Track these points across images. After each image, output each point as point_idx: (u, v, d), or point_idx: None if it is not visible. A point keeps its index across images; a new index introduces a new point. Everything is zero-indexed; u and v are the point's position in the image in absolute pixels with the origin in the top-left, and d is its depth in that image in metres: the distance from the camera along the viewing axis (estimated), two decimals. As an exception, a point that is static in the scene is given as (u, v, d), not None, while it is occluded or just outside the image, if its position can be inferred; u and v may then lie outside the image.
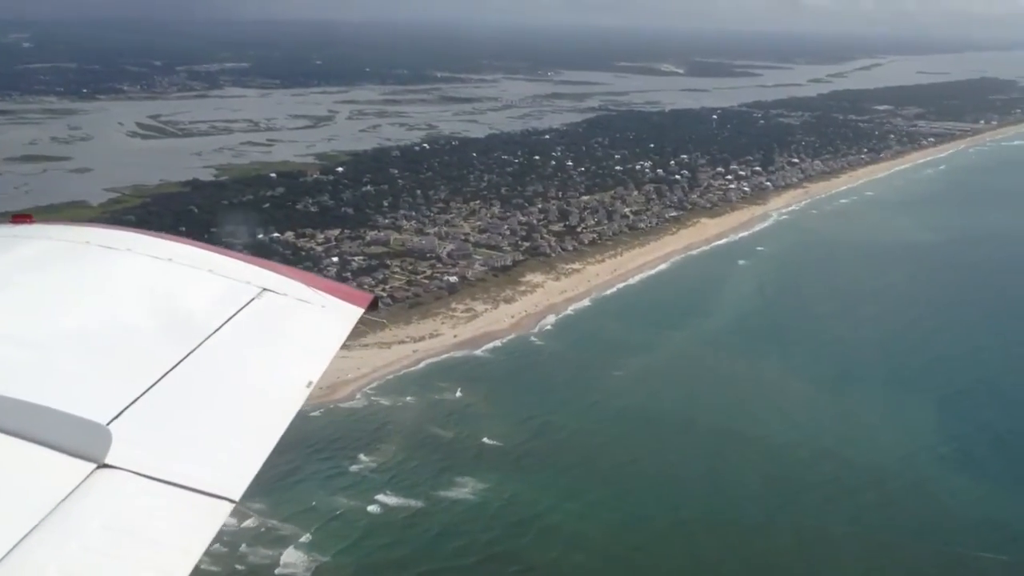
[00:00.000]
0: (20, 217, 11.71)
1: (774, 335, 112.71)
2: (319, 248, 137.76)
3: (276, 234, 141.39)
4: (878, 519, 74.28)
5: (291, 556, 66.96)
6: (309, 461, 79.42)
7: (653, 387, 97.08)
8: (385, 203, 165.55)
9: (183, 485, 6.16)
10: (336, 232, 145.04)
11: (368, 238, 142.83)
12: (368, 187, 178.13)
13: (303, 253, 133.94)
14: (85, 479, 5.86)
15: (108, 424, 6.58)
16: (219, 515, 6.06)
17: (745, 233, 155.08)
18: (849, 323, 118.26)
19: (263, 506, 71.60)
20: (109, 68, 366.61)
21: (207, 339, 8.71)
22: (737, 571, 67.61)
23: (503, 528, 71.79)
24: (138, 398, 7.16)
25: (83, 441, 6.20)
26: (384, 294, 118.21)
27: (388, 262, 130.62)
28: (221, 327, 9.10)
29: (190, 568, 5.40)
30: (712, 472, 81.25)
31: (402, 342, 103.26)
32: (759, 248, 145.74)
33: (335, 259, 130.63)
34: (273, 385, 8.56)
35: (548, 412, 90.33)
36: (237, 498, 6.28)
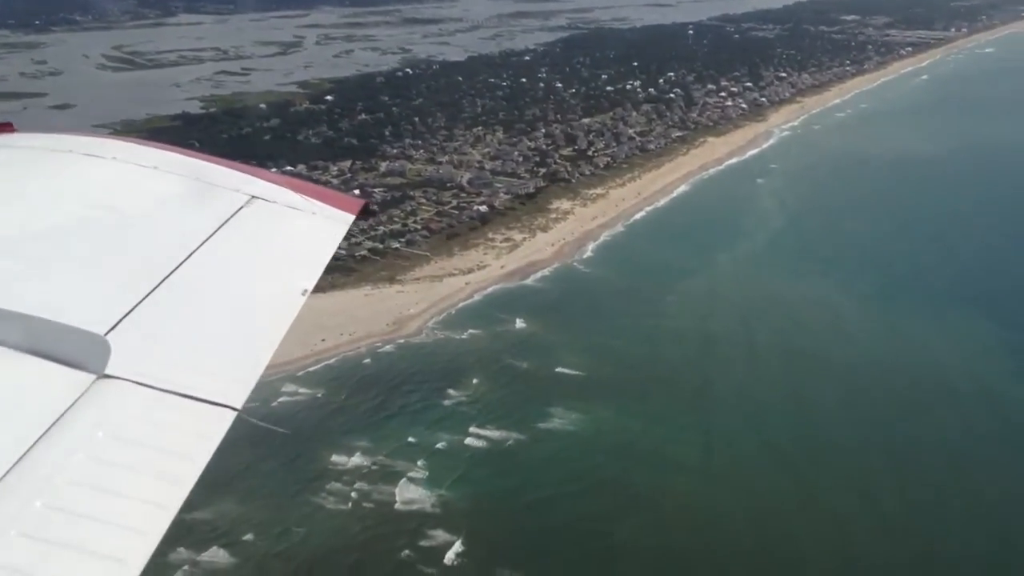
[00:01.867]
0: (1, 126, 11.46)
1: (809, 251, 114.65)
2: (335, 181, 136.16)
3: (288, 167, 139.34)
4: (958, 431, 76.82)
5: (407, 491, 67.65)
6: (394, 396, 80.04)
7: (706, 309, 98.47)
8: (387, 132, 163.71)
9: (185, 394, 6.19)
10: (347, 164, 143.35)
11: (382, 169, 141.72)
12: (363, 116, 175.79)
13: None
14: (87, 390, 5.90)
15: (105, 335, 6.55)
16: (223, 423, 6.14)
17: (754, 151, 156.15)
18: (876, 237, 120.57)
19: (367, 443, 72.31)
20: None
21: (199, 248, 8.66)
22: (836, 489, 69.35)
23: (602, 455, 73.01)
24: (133, 308, 7.14)
25: (82, 352, 6.22)
26: (418, 226, 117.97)
27: (411, 193, 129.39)
28: (212, 236, 9.03)
29: (196, 476, 5.58)
30: (784, 392, 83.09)
31: (451, 275, 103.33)
32: (772, 166, 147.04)
33: (356, 192, 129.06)
34: (268, 294, 8.55)
35: (611, 338, 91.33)
36: (239, 406, 6.36)
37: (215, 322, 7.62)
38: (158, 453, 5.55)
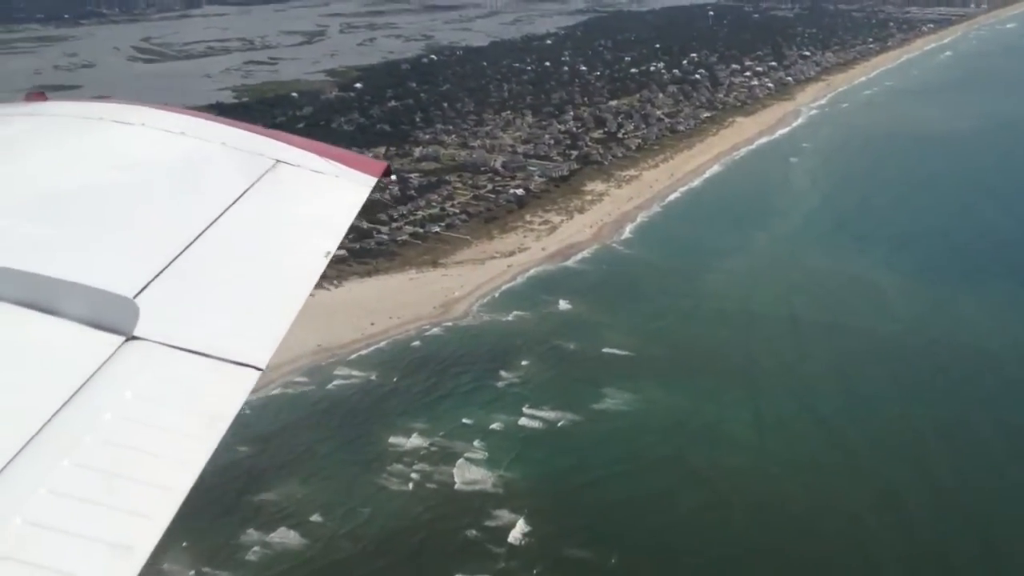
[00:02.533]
0: (34, 95, 11.63)
1: (846, 228, 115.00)
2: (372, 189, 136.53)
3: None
4: (1009, 405, 77.17)
5: (467, 471, 68.47)
6: (446, 378, 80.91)
7: (748, 288, 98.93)
8: (417, 118, 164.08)
9: (211, 355, 6.28)
10: (382, 150, 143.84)
11: (416, 154, 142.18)
12: (393, 102, 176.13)
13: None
14: (115, 352, 6.00)
15: (134, 297, 6.66)
16: (247, 382, 6.20)
17: (784, 130, 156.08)
18: (911, 214, 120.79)
19: (423, 424, 73.23)
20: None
21: (225, 212, 8.75)
22: (892, 465, 69.82)
23: (655, 434, 73.72)
24: (161, 271, 7.22)
25: (111, 315, 6.31)
26: (456, 210, 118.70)
27: (447, 177, 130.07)
28: (238, 200, 9.12)
29: (222, 433, 5.65)
30: (830, 368, 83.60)
31: (493, 258, 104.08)
32: (804, 145, 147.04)
33: (393, 177, 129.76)
34: (292, 256, 8.63)
35: (655, 318, 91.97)
36: (263, 366, 6.39)
37: (241, 284, 7.79)
38: (185, 412, 5.68)
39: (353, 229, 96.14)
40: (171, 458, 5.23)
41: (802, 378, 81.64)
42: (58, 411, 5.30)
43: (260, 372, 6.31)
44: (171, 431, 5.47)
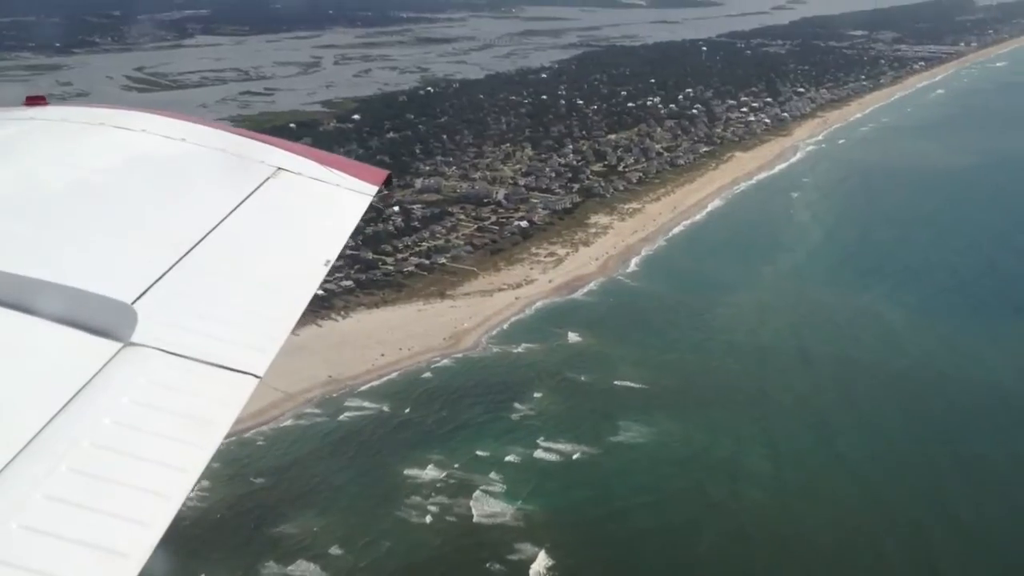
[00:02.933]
0: (34, 99, 11.61)
1: (850, 263, 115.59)
2: (373, 198, 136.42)
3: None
4: (1022, 439, 77.29)
5: (484, 504, 68.03)
6: (459, 410, 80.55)
7: (755, 321, 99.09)
8: (417, 149, 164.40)
9: (209, 361, 6.29)
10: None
11: (418, 186, 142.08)
12: (392, 134, 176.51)
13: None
14: (113, 357, 6.00)
15: (132, 304, 6.68)
16: (245, 390, 6.20)
17: (783, 165, 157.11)
18: (913, 248, 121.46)
19: (438, 456, 72.75)
20: (71, 20, 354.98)
21: (224, 219, 8.75)
22: (911, 500, 69.66)
23: (671, 467, 73.51)
24: (160, 278, 7.23)
25: (109, 320, 6.31)
26: (461, 242, 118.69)
27: (450, 209, 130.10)
28: (238, 207, 9.13)
29: (219, 441, 5.62)
30: (845, 401, 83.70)
31: (500, 289, 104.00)
32: (804, 180, 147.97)
33: (395, 208, 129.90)
34: (292, 264, 8.65)
35: (665, 351, 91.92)
36: (262, 373, 6.41)
37: (240, 292, 7.77)
38: (182, 418, 5.65)
39: (359, 260, 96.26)
40: (168, 464, 5.21)
41: (815, 411, 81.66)
42: (55, 416, 5.28)
43: (258, 380, 6.29)
44: (168, 437, 5.44)
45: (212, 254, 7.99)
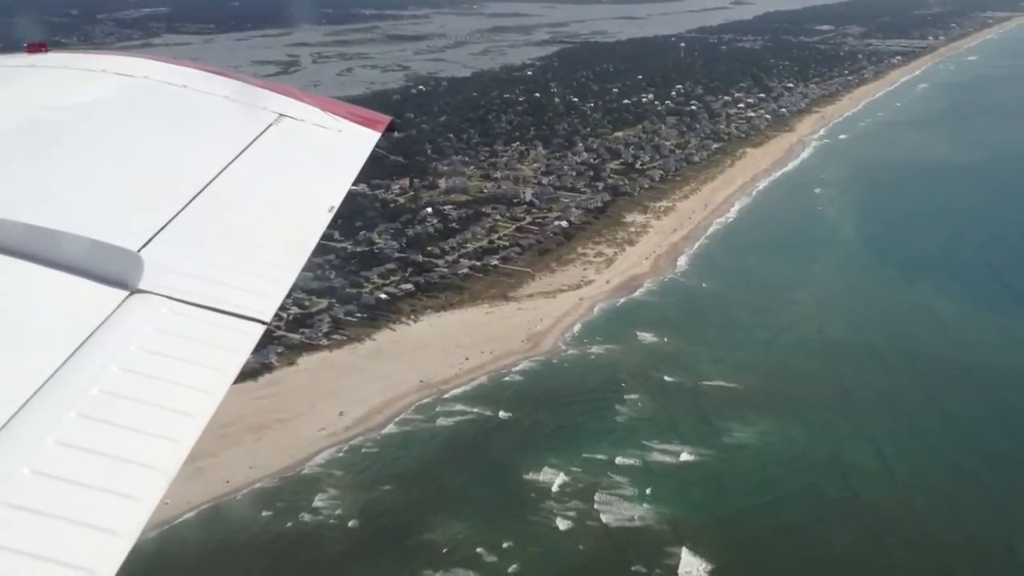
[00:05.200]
0: (35, 46, 11.56)
1: (891, 257, 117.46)
2: (401, 199, 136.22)
3: (354, 187, 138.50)
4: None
5: (614, 507, 68.47)
6: (558, 412, 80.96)
7: (815, 316, 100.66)
8: (428, 149, 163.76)
9: (216, 308, 6.37)
10: (406, 182, 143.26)
11: (443, 186, 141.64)
12: (396, 133, 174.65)
13: (392, 206, 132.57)
14: (120, 304, 6.09)
15: (139, 251, 6.74)
16: (251, 336, 6.28)
17: (796, 162, 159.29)
18: (942, 241, 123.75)
19: (554, 459, 73.12)
20: (30, 20, 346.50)
21: (228, 165, 8.79)
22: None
23: (782, 465, 74.43)
24: (166, 225, 7.30)
25: (116, 268, 6.37)
26: (506, 243, 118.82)
27: (483, 210, 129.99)
28: (241, 153, 9.18)
29: (227, 387, 5.73)
30: (926, 395, 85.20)
31: (561, 291, 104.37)
32: (822, 176, 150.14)
33: (428, 210, 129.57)
34: (296, 210, 8.72)
35: (736, 349, 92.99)
36: (268, 319, 6.50)
37: (245, 238, 7.82)
38: (190, 365, 5.72)
39: (411, 263, 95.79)
40: (177, 411, 5.30)
41: (901, 406, 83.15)
42: (64, 363, 5.35)
43: (264, 326, 6.41)
44: (177, 383, 5.52)
45: (217, 201, 8.06)
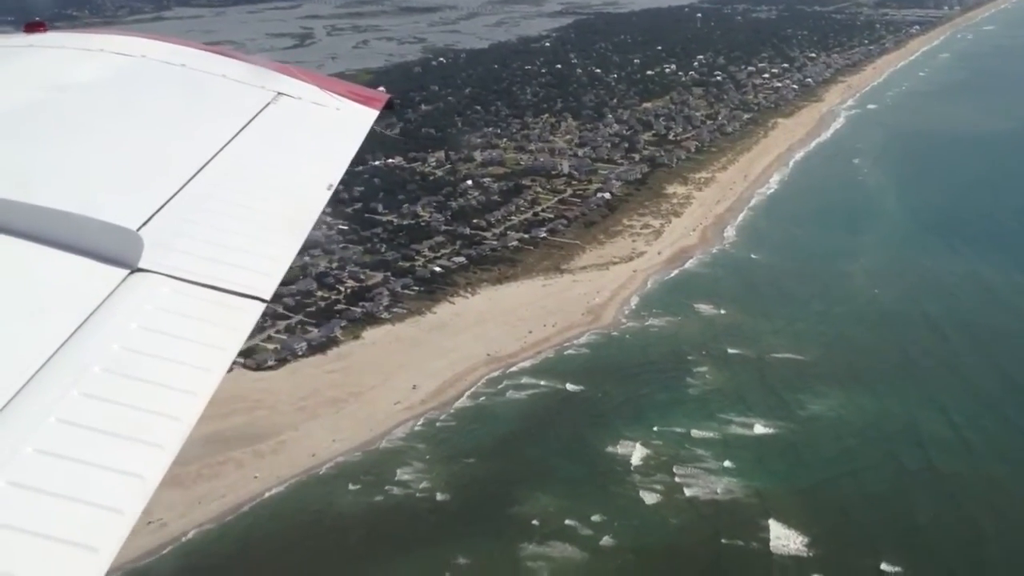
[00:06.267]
0: (33, 25, 11.45)
1: (936, 228, 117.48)
2: (439, 172, 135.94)
3: (390, 160, 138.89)
4: None
5: (700, 480, 68.73)
6: (629, 385, 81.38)
7: (869, 287, 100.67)
8: (459, 121, 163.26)
9: (216, 286, 6.38)
10: (441, 154, 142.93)
11: (479, 159, 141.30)
12: (424, 106, 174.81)
13: (431, 179, 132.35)
14: (120, 283, 6.10)
15: (138, 230, 6.74)
16: (252, 314, 6.32)
17: (829, 132, 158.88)
18: (984, 210, 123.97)
19: (633, 432, 73.42)
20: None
21: (227, 144, 8.78)
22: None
23: (857, 437, 74.58)
24: (165, 204, 7.29)
25: (116, 247, 6.38)
26: (551, 215, 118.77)
27: (523, 182, 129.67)
28: (240, 132, 9.19)
29: (227, 365, 5.73)
30: (989, 365, 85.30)
31: (614, 263, 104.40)
32: (858, 146, 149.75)
33: (469, 183, 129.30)
34: (295, 189, 8.70)
35: (794, 321, 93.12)
36: (268, 297, 6.50)
37: (244, 217, 7.78)
38: (191, 343, 5.73)
39: (459, 235, 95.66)
40: (179, 389, 5.32)
41: (965, 375, 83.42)
42: (65, 342, 5.37)
43: (264, 304, 6.43)
44: (178, 362, 5.54)
45: (216, 180, 8.06)
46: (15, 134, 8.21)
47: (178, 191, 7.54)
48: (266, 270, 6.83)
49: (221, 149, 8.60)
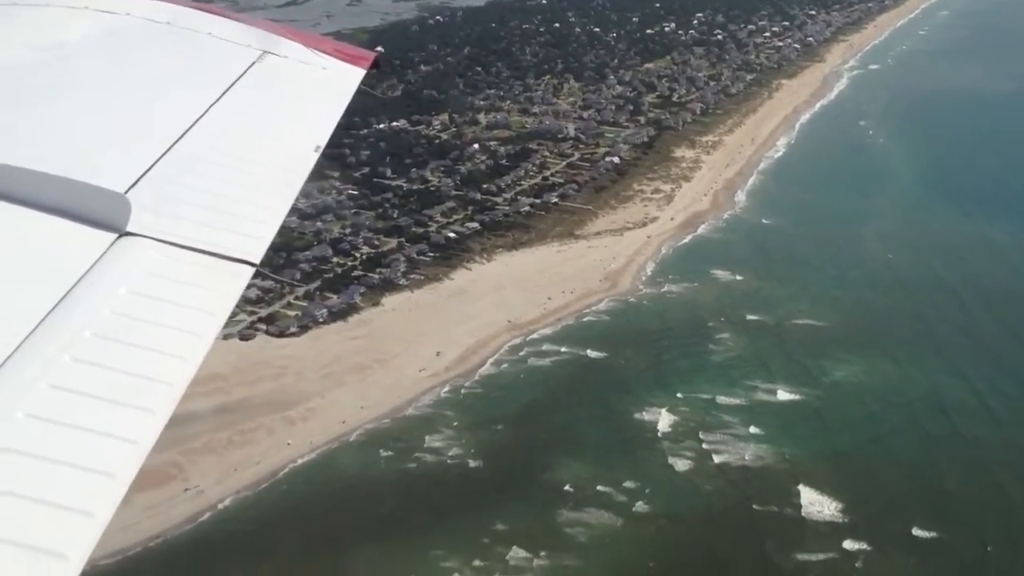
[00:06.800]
0: None
1: (945, 191, 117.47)
2: (444, 135, 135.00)
3: (395, 123, 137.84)
4: None
5: (727, 447, 69.19)
6: (652, 352, 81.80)
7: (882, 252, 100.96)
8: (459, 82, 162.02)
9: (206, 250, 6.35)
10: (444, 117, 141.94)
11: (484, 122, 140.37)
12: (424, 67, 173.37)
13: (437, 143, 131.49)
14: (109, 247, 6.05)
15: (125, 193, 6.63)
16: (241, 278, 6.28)
17: (833, 93, 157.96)
18: (991, 172, 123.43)
19: (661, 399, 73.82)
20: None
21: (213, 105, 8.67)
22: None
23: (878, 402, 75.48)
24: (151, 167, 7.18)
25: (104, 211, 6.30)
26: (560, 180, 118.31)
27: (530, 146, 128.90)
28: (226, 92, 9.04)
29: (218, 329, 5.73)
30: (1007, 332, 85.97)
31: (627, 228, 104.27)
32: (864, 107, 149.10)
33: (475, 146, 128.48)
34: (282, 150, 8.60)
35: (810, 286, 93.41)
36: (257, 261, 6.48)
37: (232, 180, 7.66)
38: (181, 308, 5.72)
39: (470, 200, 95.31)
40: (169, 353, 5.34)
41: (983, 341, 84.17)
42: (54, 307, 5.35)
43: (254, 268, 6.41)
44: (168, 327, 5.56)
45: (202, 142, 7.98)
46: None
47: (164, 153, 7.46)
48: (255, 233, 6.79)
49: (207, 110, 8.49)
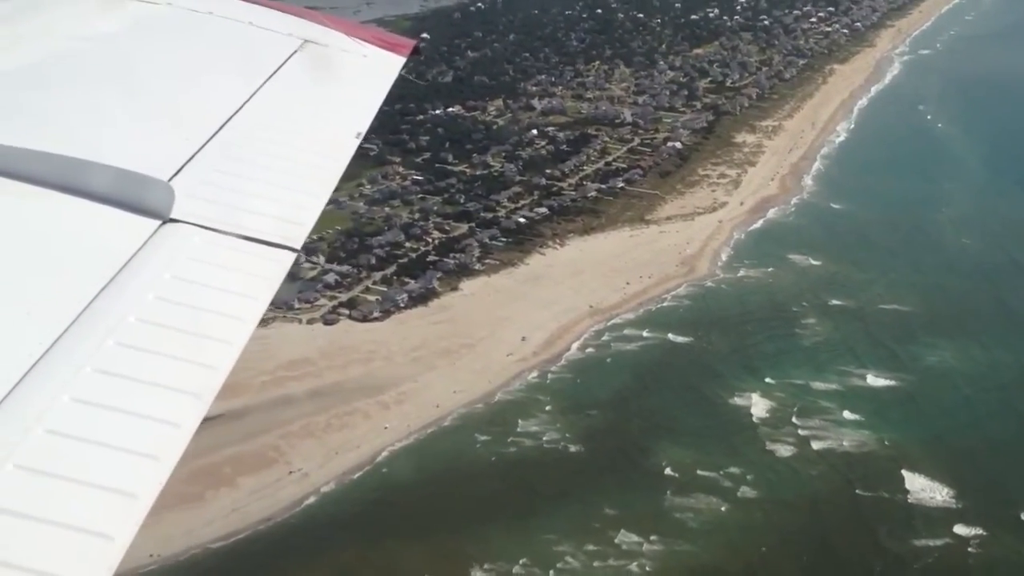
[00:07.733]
0: None
1: (1011, 175, 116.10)
2: (500, 121, 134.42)
3: (451, 109, 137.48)
4: None
5: (833, 432, 68.65)
6: (737, 336, 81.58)
7: (957, 236, 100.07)
8: (509, 68, 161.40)
9: (248, 236, 6.42)
10: (499, 102, 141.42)
11: (539, 108, 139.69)
12: (471, 53, 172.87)
13: (494, 128, 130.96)
14: (153, 234, 6.13)
15: (169, 180, 6.72)
16: (283, 264, 6.37)
17: (887, 79, 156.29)
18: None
19: (753, 384, 73.17)
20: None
21: (255, 93, 8.75)
22: None
23: (972, 387, 75.09)
24: (195, 154, 7.26)
25: (148, 198, 6.38)
26: (624, 165, 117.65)
27: (589, 132, 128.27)
28: (267, 81, 9.13)
29: (260, 314, 5.79)
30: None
31: (698, 213, 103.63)
32: (921, 92, 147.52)
33: (534, 132, 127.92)
34: (324, 137, 8.74)
35: (888, 271, 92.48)
36: (299, 247, 6.54)
37: (274, 165, 7.75)
38: (223, 293, 5.79)
39: (536, 186, 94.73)
40: (214, 337, 5.36)
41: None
42: (99, 293, 5.39)
43: (296, 253, 6.44)
44: (212, 311, 5.59)
45: (244, 129, 8.02)
46: (43, 85, 8.10)
47: (207, 141, 7.52)
48: (297, 219, 6.85)
49: (249, 98, 8.53)
